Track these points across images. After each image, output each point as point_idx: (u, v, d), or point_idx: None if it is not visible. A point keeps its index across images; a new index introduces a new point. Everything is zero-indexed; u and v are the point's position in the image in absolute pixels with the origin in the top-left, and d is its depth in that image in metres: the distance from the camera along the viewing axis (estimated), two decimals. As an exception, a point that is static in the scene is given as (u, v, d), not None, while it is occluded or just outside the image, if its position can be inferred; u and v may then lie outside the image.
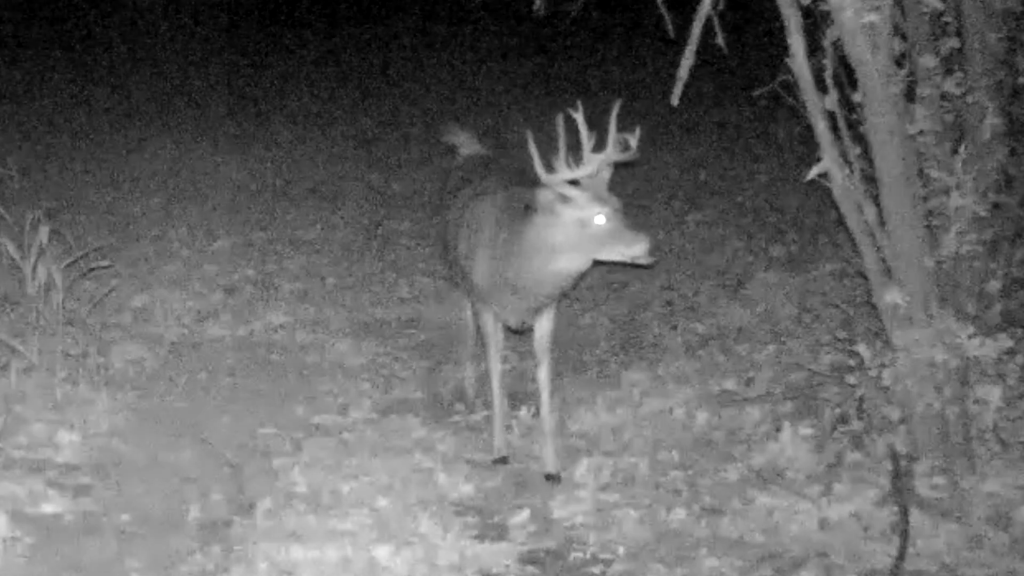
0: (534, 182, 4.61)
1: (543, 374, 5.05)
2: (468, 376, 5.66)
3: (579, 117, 4.44)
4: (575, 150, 4.48)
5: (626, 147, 4.54)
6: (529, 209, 4.67)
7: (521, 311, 4.94)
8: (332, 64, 16.45)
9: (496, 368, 5.11)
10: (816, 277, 6.86)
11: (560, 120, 4.43)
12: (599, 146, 4.49)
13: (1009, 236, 4.90)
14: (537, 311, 4.96)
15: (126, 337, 6.37)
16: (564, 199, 4.52)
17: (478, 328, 5.36)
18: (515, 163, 5.36)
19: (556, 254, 4.62)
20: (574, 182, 4.52)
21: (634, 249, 4.53)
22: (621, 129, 4.50)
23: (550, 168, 4.49)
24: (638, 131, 4.54)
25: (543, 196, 4.56)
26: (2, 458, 4.81)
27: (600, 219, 4.50)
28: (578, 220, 4.53)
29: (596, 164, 4.49)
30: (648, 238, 4.56)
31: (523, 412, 5.46)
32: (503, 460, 5.10)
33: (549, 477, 4.92)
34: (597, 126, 4.50)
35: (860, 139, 4.59)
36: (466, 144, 5.80)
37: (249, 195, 9.74)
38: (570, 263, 4.65)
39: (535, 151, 4.47)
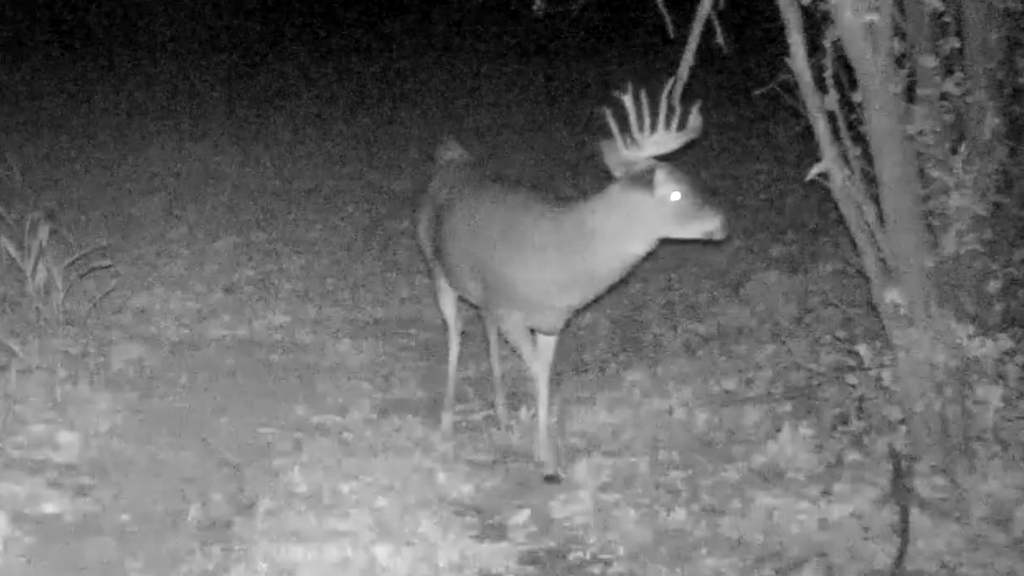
0: (530, 185, 4.56)
1: (544, 377, 5.02)
2: (452, 376, 5.59)
3: (628, 100, 4.38)
4: (636, 128, 4.40)
5: (695, 125, 4.47)
6: (584, 198, 4.63)
7: (563, 312, 4.83)
8: (332, 64, 16.46)
9: (539, 369, 4.94)
10: (816, 277, 6.86)
11: (635, 98, 4.34)
12: (681, 124, 4.42)
13: (1009, 236, 4.90)
14: (576, 311, 4.90)
15: (126, 337, 6.37)
16: (646, 177, 4.43)
17: (485, 330, 5.36)
18: (504, 167, 5.34)
19: (628, 236, 4.51)
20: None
21: (708, 225, 4.46)
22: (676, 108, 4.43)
23: (634, 144, 4.41)
24: (698, 108, 4.45)
25: (635, 172, 4.44)
26: (2, 458, 4.81)
27: (676, 196, 4.42)
28: (657, 198, 4.44)
29: (678, 139, 4.42)
30: (722, 214, 4.49)
31: (523, 412, 5.45)
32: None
33: (548, 479, 4.91)
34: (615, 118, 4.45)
35: (860, 139, 4.59)
36: (455, 154, 5.70)
37: (249, 195, 9.75)
38: (641, 244, 4.53)
39: (616, 127, 4.39)
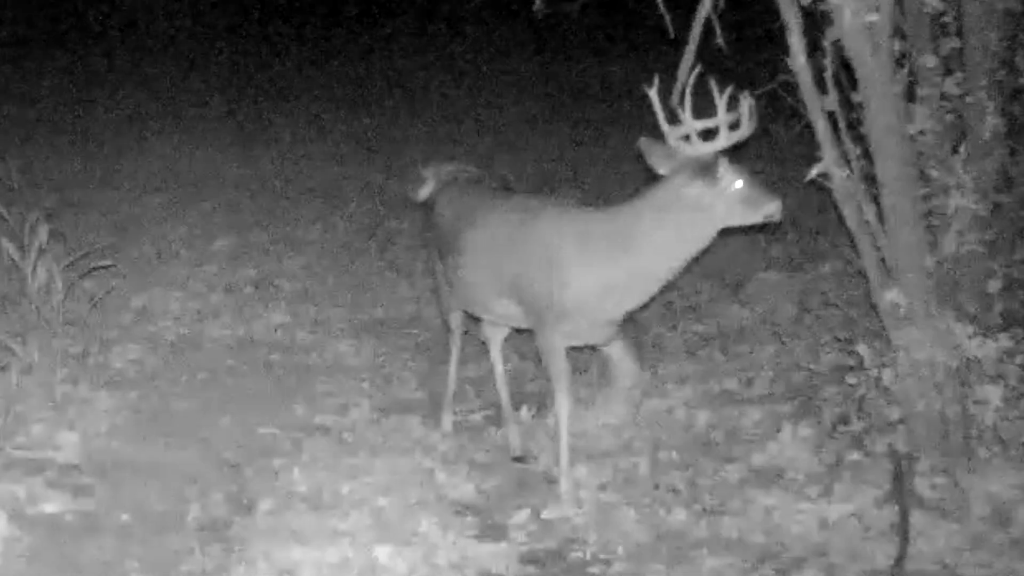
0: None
1: (566, 400, 4.88)
2: (452, 379, 5.55)
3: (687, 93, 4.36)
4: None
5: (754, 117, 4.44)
6: (635, 198, 4.58)
7: (615, 320, 4.75)
8: (332, 64, 16.46)
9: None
10: (816, 277, 6.86)
11: (720, 90, 4.33)
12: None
13: (1009, 236, 4.91)
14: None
15: (126, 337, 6.37)
16: (709, 168, 4.39)
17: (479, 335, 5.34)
18: (509, 176, 5.26)
19: (690, 229, 4.48)
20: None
21: (769, 208, 4.44)
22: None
23: (708, 137, 4.38)
24: (749, 94, 4.41)
25: (695, 166, 4.40)
26: (2, 458, 4.81)
27: (739, 183, 4.40)
28: (721, 187, 4.41)
29: (741, 133, 4.40)
30: (779, 196, 4.48)
31: (523, 412, 5.45)
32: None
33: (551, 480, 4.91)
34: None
35: (860, 139, 4.59)
36: (451, 168, 5.53)
37: (249, 195, 9.74)
38: (703, 236, 4.50)
39: (690, 116, 4.37)
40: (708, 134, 4.39)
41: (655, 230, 4.51)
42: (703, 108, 4.37)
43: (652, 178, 4.55)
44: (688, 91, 4.38)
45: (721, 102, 4.35)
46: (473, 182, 5.32)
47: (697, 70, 4.41)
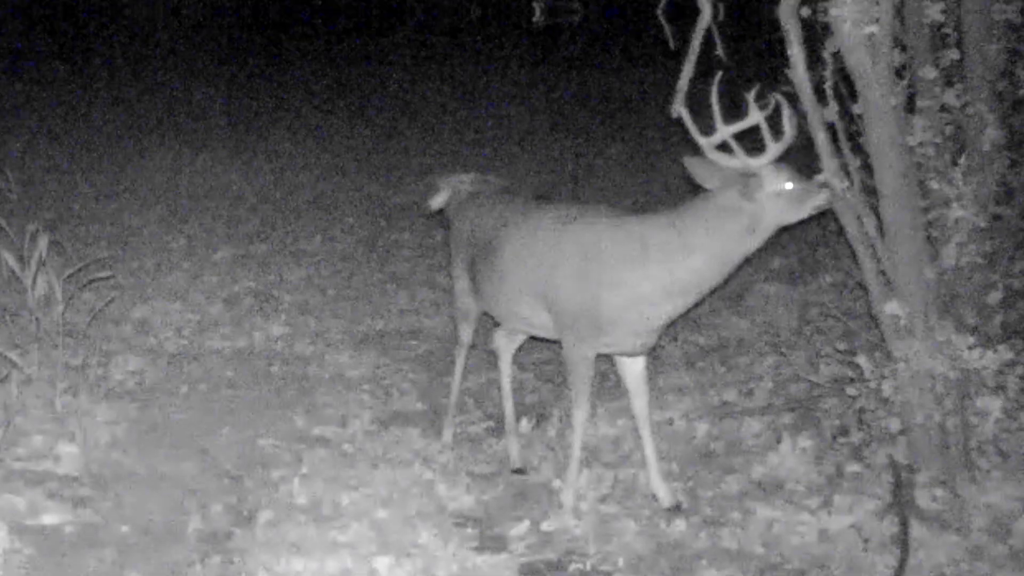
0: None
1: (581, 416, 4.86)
2: (455, 391, 5.53)
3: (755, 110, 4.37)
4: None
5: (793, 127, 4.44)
6: (685, 207, 4.55)
7: (655, 328, 4.65)
8: (332, 76, 16.50)
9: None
10: (816, 289, 6.86)
11: (760, 104, 4.34)
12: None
13: (1009, 248, 4.91)
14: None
15: (126, 349, 6.37)
16: (759, 176, 4.39)
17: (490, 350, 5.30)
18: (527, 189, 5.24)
19: (745, 235, 4.44)
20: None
21: (819, 200, 4.44)
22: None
23: (748, 153, 4.38)
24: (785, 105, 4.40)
25: (744, 177, 4.40)
26: (2, 470, 4.81)
27: (790, 184, 4.40)
28: (771, 194, 4.39)
29: (782, 146, 4.41)
30: (825, 187, 4.49)
31: (523, 423, 5.45)
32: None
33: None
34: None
35: (860, 150, 4.59)
36: (453, 186, 5.45)
37: (249, 206, 9.76)
38: (756, 242, 4.47)
39: (734, 142, 4.39)
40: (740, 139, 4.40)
41: (704, 241, 4.47)
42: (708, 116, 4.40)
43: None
44: (716, 100, 4.39)
45: (753, 106, 4.35)
46: (502, 191, 5.27)
47: (719, 76, 4.41)
